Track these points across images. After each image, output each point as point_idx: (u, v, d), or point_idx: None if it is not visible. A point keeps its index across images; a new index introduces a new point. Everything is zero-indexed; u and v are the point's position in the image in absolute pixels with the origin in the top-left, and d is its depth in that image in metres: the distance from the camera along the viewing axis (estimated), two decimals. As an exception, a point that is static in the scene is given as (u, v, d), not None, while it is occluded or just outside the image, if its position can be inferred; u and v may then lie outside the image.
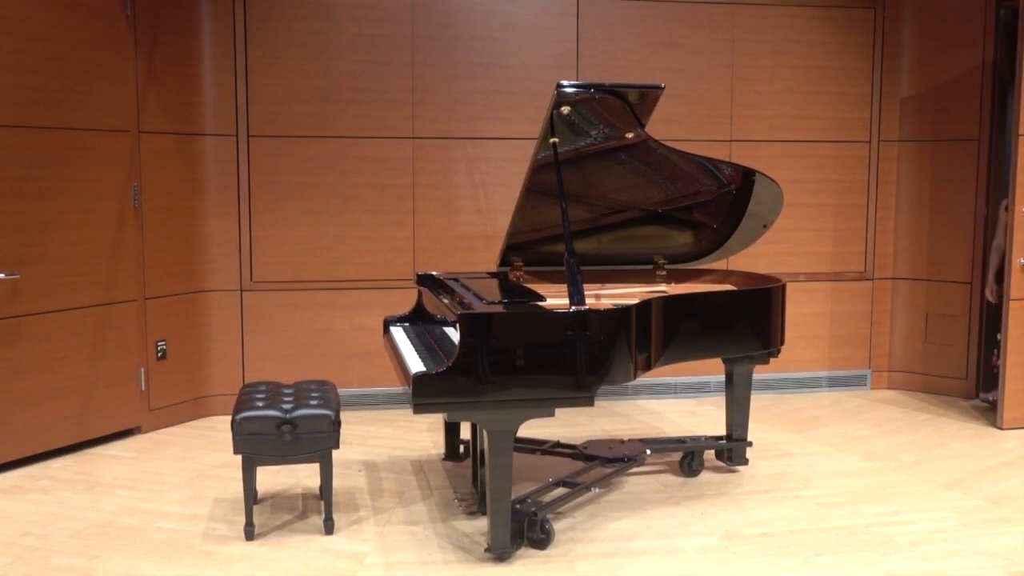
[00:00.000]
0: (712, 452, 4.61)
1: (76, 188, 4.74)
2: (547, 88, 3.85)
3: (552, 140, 3.79)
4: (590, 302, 3.60)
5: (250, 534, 3.68)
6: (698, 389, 6.13)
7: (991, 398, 5.68)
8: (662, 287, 4.60)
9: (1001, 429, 5.29)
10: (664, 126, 5.21)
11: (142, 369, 5.15)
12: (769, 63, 5.97)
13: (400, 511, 4.02)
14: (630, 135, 4.00)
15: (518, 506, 3.58)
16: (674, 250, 4.68)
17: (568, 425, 5.18)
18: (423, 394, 3.27)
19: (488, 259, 5.30)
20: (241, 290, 5.56)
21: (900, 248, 6.22)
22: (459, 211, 5.73)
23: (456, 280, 4.27)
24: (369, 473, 4.54)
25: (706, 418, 5.60)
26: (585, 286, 3.55)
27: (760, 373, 5.42)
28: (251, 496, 3.68)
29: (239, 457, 3.63)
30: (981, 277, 5.88)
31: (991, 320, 5.81)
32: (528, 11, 5.68)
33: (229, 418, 3.72)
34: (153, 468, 4.61)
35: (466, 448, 4.60)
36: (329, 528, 3.75)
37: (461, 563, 3.48)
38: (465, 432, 4.53)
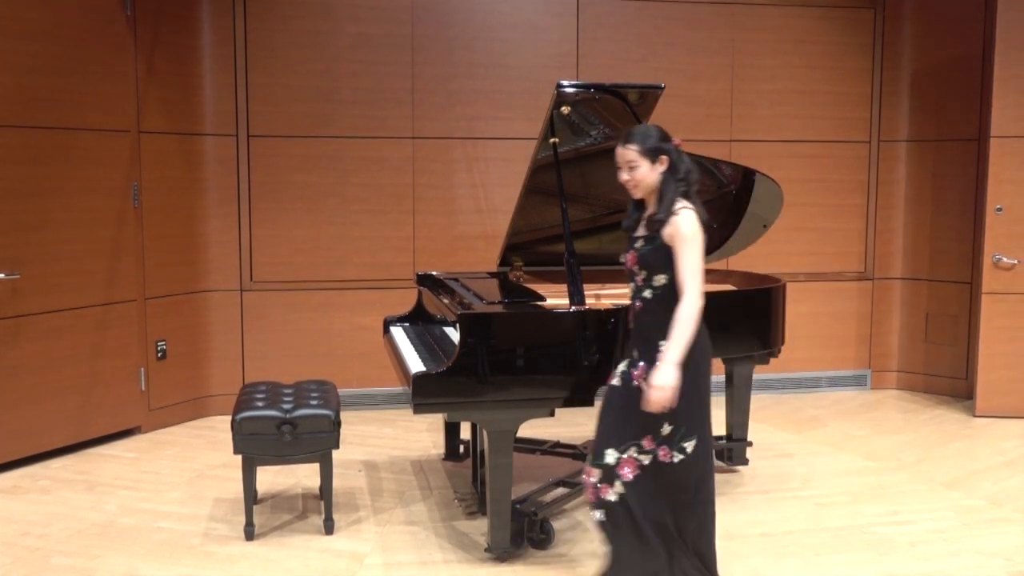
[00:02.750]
0: (712, 452, 4.60)
1: (76, 188, 4.74)
2: (547, 88, 3.84)
3: (552, 140, 3.78)
4: (590, 302, 3.59)
5: (250, 534, 3.67)
6: (698, 389, 6.11)
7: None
8: (662, 287, 4.58)
9: (974, 417, 5.48)
10: (664, 126, 5.19)
11: (142, 369, 5.15)
12: (769, 63, 5.97)
13: (400, 511, 4.01)
14: (630, 135, 3.98)
15: (518, 506, 3.57)
16: (674, 250, 4.67)
17: (568, 425, 5.17)
18: (423, 394, 3.26)
19: (488, 259, 5.29)
20: (241, 290, 5.55)
21: (900, 248, 6.22)
22: (459, 211, 5.72)
23: (456, 280, 4.26)
24: (369, 473, 4.54)
25: (706, 418, 5.59)
26: (585, 286, 3.55)
27: (760, 373, 5.41)
28: (251, 496, 3.68)
29: (239, 457, 3.63)
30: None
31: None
32: (528, 11, 5.68)
33: (229, 418, 3.71)
34: (153, 468, 4.61)
35: (466, 448, 4.59)
36: (329, 528, 3.75)
37: (461, 563, 3.47)
38: (465, 432, 4.53)
